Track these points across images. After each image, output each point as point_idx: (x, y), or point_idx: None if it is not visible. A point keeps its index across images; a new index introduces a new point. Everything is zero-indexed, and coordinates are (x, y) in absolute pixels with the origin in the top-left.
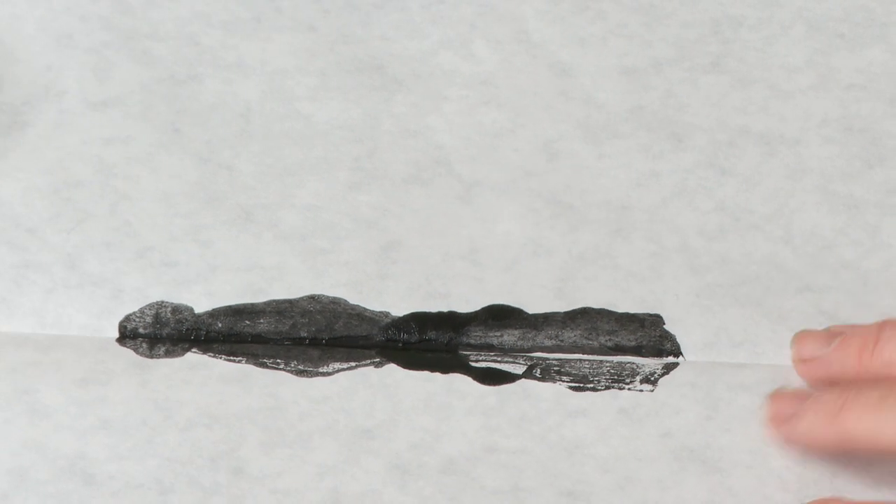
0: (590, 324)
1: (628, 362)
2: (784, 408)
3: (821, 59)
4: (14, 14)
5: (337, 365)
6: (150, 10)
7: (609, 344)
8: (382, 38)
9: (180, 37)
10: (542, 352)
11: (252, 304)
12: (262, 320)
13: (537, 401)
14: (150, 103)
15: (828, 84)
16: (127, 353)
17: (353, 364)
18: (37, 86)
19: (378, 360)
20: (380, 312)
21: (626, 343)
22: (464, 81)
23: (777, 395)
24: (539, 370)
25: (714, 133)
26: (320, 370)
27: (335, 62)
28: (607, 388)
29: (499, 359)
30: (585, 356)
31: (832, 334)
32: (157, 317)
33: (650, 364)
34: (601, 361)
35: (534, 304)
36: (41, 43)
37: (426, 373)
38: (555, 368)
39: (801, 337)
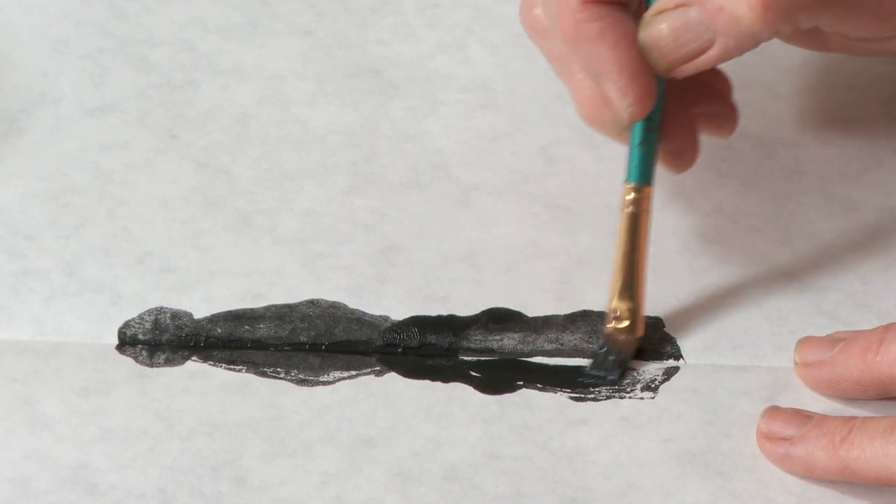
0: (590, 326)
1: (628, 368)
2: (780, 428)
3: (818, 60)
4: (9, 21)
5: (337, 374)
6: (146, 16)
7: None
8: (378, 43)
9: (176, 42)
10: (543, 355)
11: (251, 310)
12: (261, 325)
13: (538, 410)
14: (147, 109)
15: (825, 85)
16: (127, 362)
17: (353, 373)
18: (33, 92)
19: (378, 368)
20: (379, 316)
21: None
22: (460, 85)
23: (772, 414)
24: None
25: None
26: (321, 379)
27: (332, 67)
28: (608, 397)
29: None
30: (586, 360)
31: (835, 339)
32: (156, 323)
33: (650, 370)
34: None
35: (534, 307)
36: (37, 49)
37: (427, 382)
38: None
39: (804, 342)
